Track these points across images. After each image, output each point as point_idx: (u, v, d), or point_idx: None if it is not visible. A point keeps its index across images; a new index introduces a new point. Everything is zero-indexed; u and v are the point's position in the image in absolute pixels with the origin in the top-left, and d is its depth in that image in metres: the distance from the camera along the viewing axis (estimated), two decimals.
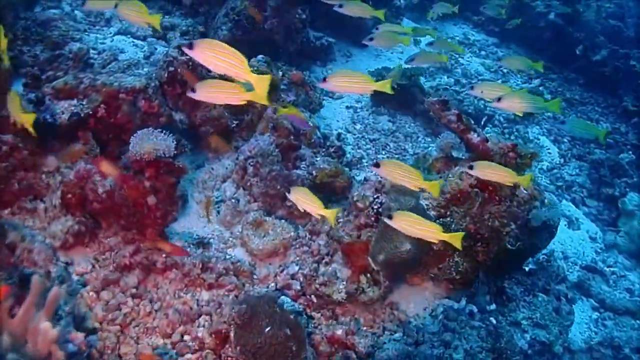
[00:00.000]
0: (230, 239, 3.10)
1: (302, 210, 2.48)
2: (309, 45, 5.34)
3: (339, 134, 4.59)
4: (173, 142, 2.68)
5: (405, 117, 5.28)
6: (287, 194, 2.53)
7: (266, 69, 3.64)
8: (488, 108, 5.75)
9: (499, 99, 2.71)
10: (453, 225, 2.83)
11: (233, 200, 3.22)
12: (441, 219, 2.86)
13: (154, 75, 3.33)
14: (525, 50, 7.70)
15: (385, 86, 2.51)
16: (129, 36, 4.51)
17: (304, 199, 2.44)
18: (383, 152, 4.67)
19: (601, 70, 6.97)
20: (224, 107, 3.49)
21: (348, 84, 2.47)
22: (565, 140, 6.14)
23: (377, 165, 2.42)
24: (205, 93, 2.05)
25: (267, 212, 3.26)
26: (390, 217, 2.33)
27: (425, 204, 2.89)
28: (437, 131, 5.08)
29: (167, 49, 4.15)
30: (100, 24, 4.61)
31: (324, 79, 2.45)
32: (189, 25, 4.59)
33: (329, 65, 5.73)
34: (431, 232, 2.30)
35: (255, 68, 3.67)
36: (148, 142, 2.61)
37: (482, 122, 5.30)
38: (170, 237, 2.98)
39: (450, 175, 2.92)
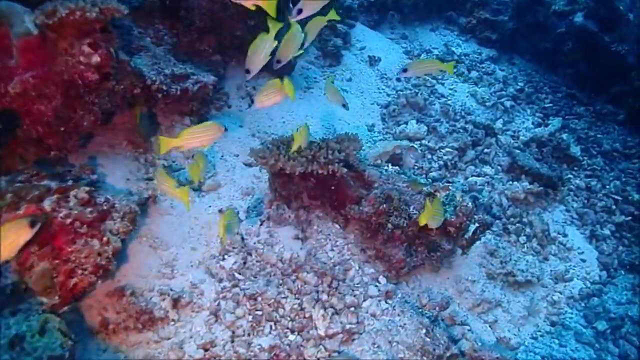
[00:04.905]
0: None
1: None
2: (163, 93, 2.91)
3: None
4: None
5: (328, 226, 2.91)
6: None
7: None
8: (484, 197, 3.38)
9: None
10: None
11: None
12: None
13: None
14: (537, 67, 5.28)
15: None
16: None
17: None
18: (264, 335, 2.30)
19: None
20: None
21: None
22: (607, 230, 3.77)
23: None
24: None
25: None
26: None
27: None
28: (383, 254, 2.73)
29: None
30: None
31: None
32: None
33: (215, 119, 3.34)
34: None
35: None
36: None
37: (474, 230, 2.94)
38: None
39: None
